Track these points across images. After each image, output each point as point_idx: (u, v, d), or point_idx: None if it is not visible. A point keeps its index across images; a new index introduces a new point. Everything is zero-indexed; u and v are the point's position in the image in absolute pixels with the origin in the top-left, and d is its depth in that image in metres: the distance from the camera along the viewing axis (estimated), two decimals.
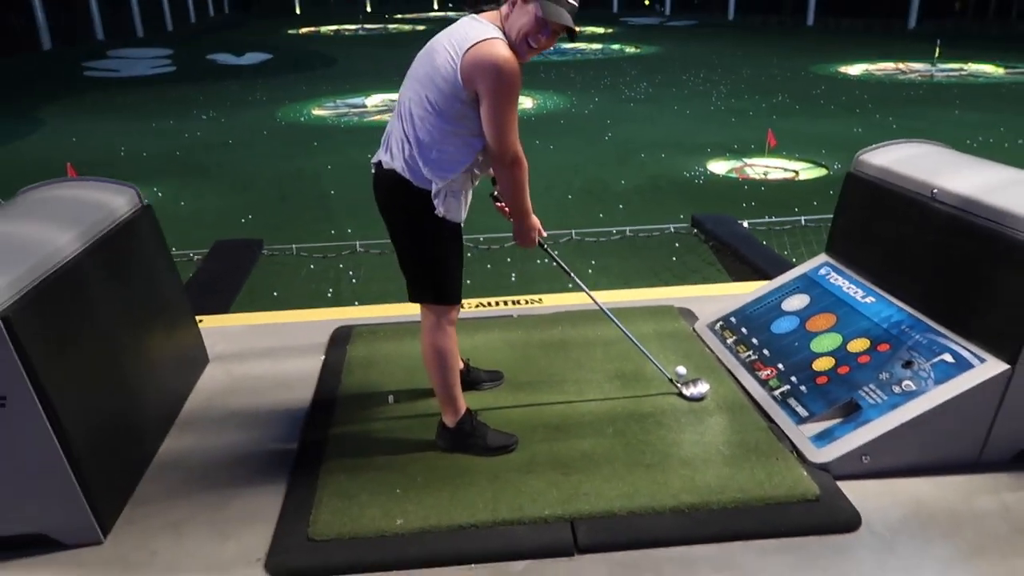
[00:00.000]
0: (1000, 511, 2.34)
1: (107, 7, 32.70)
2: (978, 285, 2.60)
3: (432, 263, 2.47)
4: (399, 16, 44.13)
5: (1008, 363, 2.43)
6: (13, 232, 2.42)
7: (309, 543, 2.23)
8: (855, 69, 19.53)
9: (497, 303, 3.98)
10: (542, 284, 5.02)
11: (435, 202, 2.37)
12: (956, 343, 2.61)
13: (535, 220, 2.62)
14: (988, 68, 19.27)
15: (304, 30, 36.50)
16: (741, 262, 5.01)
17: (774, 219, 6.13)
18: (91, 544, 2.28)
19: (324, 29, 37.12)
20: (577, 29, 2.32)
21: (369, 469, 2.54)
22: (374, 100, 16.03)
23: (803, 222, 5.95)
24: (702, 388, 2.96)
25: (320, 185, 8.83)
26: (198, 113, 14.55)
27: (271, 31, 35.41)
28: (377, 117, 14.06)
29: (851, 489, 2.42)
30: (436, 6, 52.36)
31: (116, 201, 2.89)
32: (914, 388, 2.56)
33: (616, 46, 26.24)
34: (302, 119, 13.89)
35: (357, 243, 5.76)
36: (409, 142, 2.35)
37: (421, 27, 36.77)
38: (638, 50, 25.10)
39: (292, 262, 5.62)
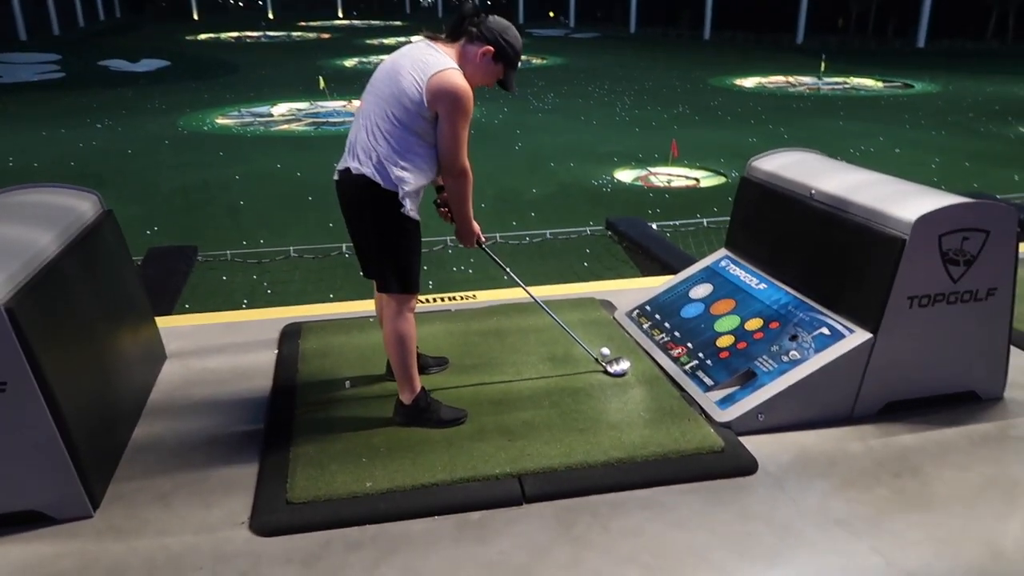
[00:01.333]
0: (866, 452, 2.85)
1: None
2: (848, 270, 3.13)
3: (397, 256, 2.79)
4: (303, 23, 43.57)
5: (871, 332, 2.96)
6: (1, 235, 2.59)
7: (288, 505, 2.51)
8: (749, 82, 20.75)
9: (436, 299, 4.31)
10: (475, 284, 5.37)
11: (404, 203, 2.70)
12: (832, 318, 3.13)
13: (476, 226, 3.02)
14: (868, 82, 20.81)
15: (203, 36, 35.71)
16: (652, 260, 5.52)
17: (679, 222, 6.70)
18: (82, 518, 2.48)
19: (225, 35, 36.36)
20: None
21: (335, 442, 2.83)
22: (280, 109, 15.96)
23: (705, 224, 6.54)
24: (624, 365, 3.38)
25: (229, 195, 8.75)
26: (92, 121, 14.12)
27: (167, 36, 34.44)
28: (284, 126, 14.00)
29: (750, 442, 2.88)
30: (340, 14, 51.95)
31: (82, 206, 3.08)
32: (799, 357, 3.06)
33: (523, 57, 26.81)
34: (205, 128, 13.70)
35: (291, 248, 5.97)
36: (377, 151, 2.68)
37: (326, 35, 36.48)
38: (544, 61, 25.79)
39: (227, 268, 5.78)
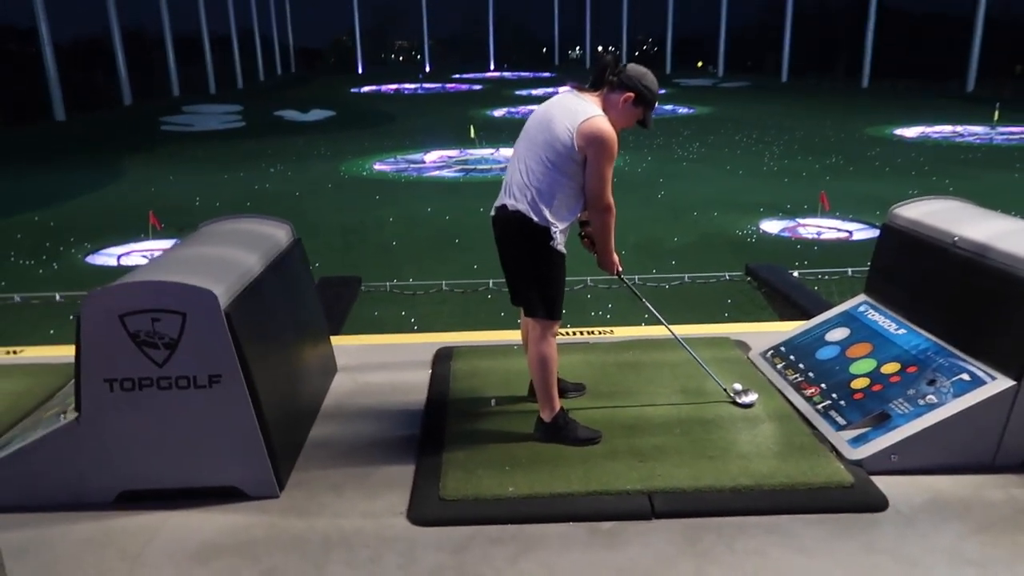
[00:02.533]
0: (1007, 500, 2.82)
1: (183, 66, 34.91)
2: (990, 316, 3.12)
3: (545, 285, 3.11)
4: (456, 76, 45.78)
5: (1015, 380, 2.94)
6: (217, 254, 3.13)
7: (441, 501, 2.83)
8: (911, 131, 19.69)
9: (576, 332, 4.58)
10: (611, 322, 5.61)
11: (554, 236, 3.03)
12: (972, 364, 3.12)
13: (615, 256, 3.32)
14: None
15: (366, 89, 38.05)
16: (791, 306, 5.53)
17: (822, 270, 6.63)
18: (270, 497, 2.91)
19: (385, 88, 38.75)
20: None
21: (482, 451, 3.14)
22: (432, 156, 16.73)
23: (850, 273, 6.44)
24: (752, 397, 3.50)
25: (382, 236, 9.30)
26: (266, 166, 15.36)
27: (334, 90, 36.95)
28: (435, 172, 14.67)
29: (881, 481, 2.92)
30: (492, 67, 54.19)
31: (279, 233, 3.61)
32: (936, 401, 3.07)
33: (669, 107, 26.96)
34: (364, 173, 14.60)
35: (443, 282, 6.45)
36: (531, 190, 3.02)
37: (478, 87, 38.24)
38: (691, 110, 25.77)
39: (386, 297, 6.33)
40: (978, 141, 18.03)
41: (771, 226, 9.67)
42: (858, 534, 2.64)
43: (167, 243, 8.71)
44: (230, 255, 3.11)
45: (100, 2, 29.19)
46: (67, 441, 2.82)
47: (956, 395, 3.04)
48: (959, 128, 20.18)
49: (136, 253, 8.55)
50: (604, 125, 2.99)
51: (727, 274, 6.74)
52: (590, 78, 3.19)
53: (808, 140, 18.48)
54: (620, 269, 3.40)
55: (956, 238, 3.41)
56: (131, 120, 24.99)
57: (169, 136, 21.01)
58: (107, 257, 8.40)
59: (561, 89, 3.24)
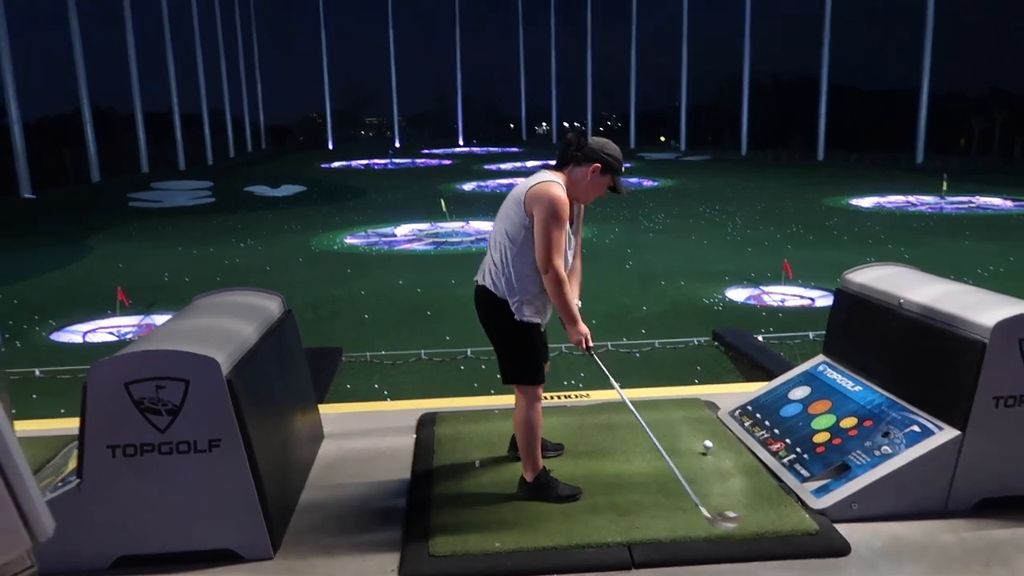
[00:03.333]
0: (958, 543, 3.03)
1: (153, 143, 35.18)
2: (935, 372, 3.39)
3: (517, 354, 3.32)
4: (426, 151, 46.60)
5: (959, 429, 3.19)
6: (215, 324, 3.30)
7: (431, 558, 2.96)
8: (866, 201, 20.33)
9: (554, 396, 4.76)
10: (586, 385, 5.80)
11: (515, 307, 3.25)
12: (921, 416, 3.37)
13: (583, 327, 3.34)
14: (996, 200, 19.91)
15: (336, 164, 38.17)
16: (757, 368, 5.79)
17: (786, 334, 6.94)
18: (264, 559, 3.01)
19: (355, 163, 39.09)
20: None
21: (468, 510, 3.28)
22: (403, 230, 16.86)
23: (811, 336, 6.75)
24: (732, 524, 2.97)
25: (354, 309, 9.35)
26: (237, 241, 15.34)
27: (305, 165, 37.12)
28: (407, 246, 14.79)
29: (844, 528, 3.12)
30: (461, 142, 55.39)
31: (272, 305, 3.80)
32: (890, 451, 3.30)
33: (634, 179, 27.76)
34: (335, 247, 14.64)
35: (422, 351, 6.63)
36: (495, 265, 3.27)
37: (448, 162, 39.00)
38: (655, 183, 26.56)
39: (367, 367, 6.48)
40: (929, 210, 18.73)
41: (737, 294, 9.89)
42: None
43: (135, 319, 8.74)
44: (228, 325, 3.29)
45: (71, 80, 29.60)
46: (67, 508, 2.91)
47: (908, 445, 3.28)
48: (911, 198, 20.93)
49: (102, 330, 8.50)
50: (552, 189, 3.15)
51: (695, 339, 7.02)
52: (557, 155, 3.42)
53: (769, 210, 19.03)
54: (591, 344, 3.35)
55: (902, 300, 3.70)
56: (99, 196, 25.00)
57: (138, 212, 21.02)
58: (72, 334, 8.37)
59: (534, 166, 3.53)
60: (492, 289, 3.29)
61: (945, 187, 20.55)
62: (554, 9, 54.54)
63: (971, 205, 19.52)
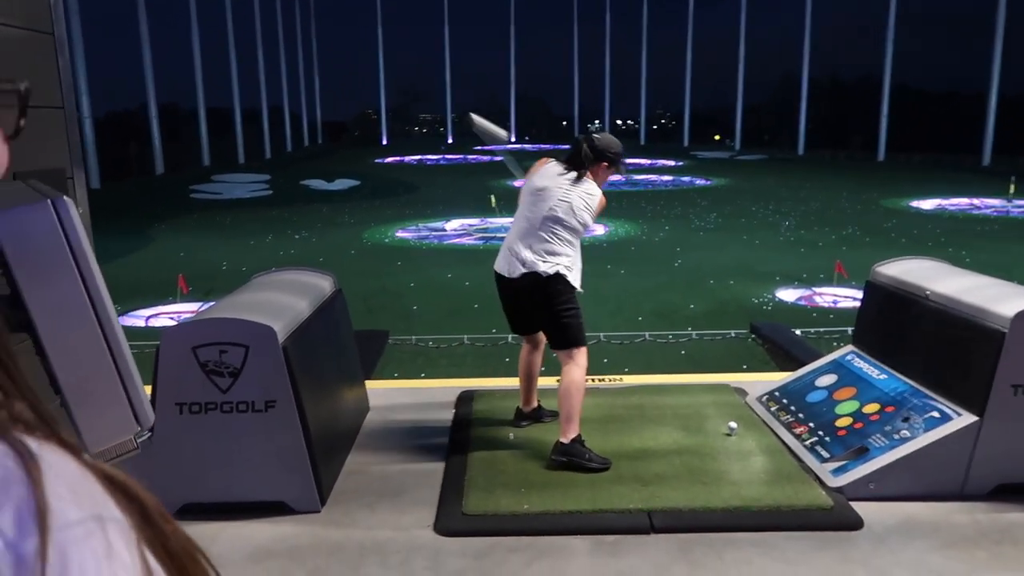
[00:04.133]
0: (971, 523, 3.13)
1: (214, 137, 36.25)
2: (956, 360, 3.49)
3: (572, 320, 3.64)
4: (478, 148, 46.93)
5: (978, 415, 3.29)
6: (273, 298, 3.60)
7: (464, 516, 3.19)
8: (927, 204, 19.78)
9: (589, 380, 4.95)
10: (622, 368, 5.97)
11: (568, 279, 3.60)
12: (941, 403, 3.48)
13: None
14: None
15: (389, 159, 38.68)
16: (791, 360, 5.87)
17: (823, 329, 6.99)
18: (312, 512, 3.29)
19: (408, 159, 39.61)
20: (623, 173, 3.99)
21: (500, 475, 3.52)
22: (453, 224, 17.08)
23: (849, 332, 6.77)
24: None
25: (403, 301, 9.54)
26: (292, 233, 15.67)
27: (359, 160, 37.60)
28: (456, 240, 14.99)
29: (860, 506, 3.25)
30: (514, 138, 55.60)
31: (324, 283, 4.09)
32: (909, 435, 3.42)
33: (687, 178, 27.57)
34: (386, 240, 14.89)
35: (465, 337, 6.89)
36: (544, 252, 3.62)
37: (499, 159, 39.14)
38: (708, 182, 26.34)
39: (412, 350, 6.77)
40: (995, 214, 18.11)
41: (787, 294, 9.73)
42: (835, 549, 2.97)
43: (194, 306, 9.17)
44: (284, 299, 3.58)
45: (139, 77, 30.77)
46: (140, 459, 3.23)
47: (927, 429, 3.39)
48: (976, 201, 20.19)
49: (164, 315, 8.90)
50: (600, 193, 3.78)
51: (732, 332, 7.11)
52: (565, 156, 3.86)
53: (824, 211, 18.65)
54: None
55: (928, 292, 3.80)
56: (163, 188, 25.90)
57: (198, 204, 21.64)
58: (136, 319, 8.78)
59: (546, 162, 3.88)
60: (544, 269, 3.62)
61: (1013, 190, 19.84)
62: (609, 7, 54.41)
63: None
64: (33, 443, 0.41)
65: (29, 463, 0.39)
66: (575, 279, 3.71)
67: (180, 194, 23.80)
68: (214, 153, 35.98)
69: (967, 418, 3.31)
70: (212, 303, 3.66)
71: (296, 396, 3.18)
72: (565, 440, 3.60)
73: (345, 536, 3.12)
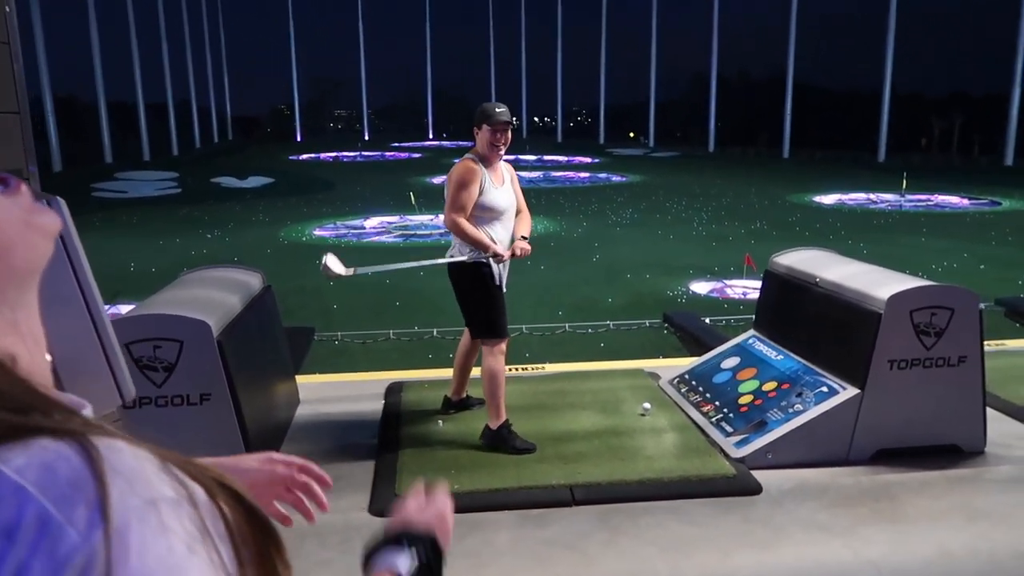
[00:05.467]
0: (855, 484, 3.51)
1: (116, 132, 34.70)
2: (841, 340, 3.88)
3: (479, 308, 3.80)
4: (395, 145, 46.45)
5: (859, 389, 3.67)
6: (204, 295, 3.67)
7: (397, 497, 3.35)
8: (829, 198, 20.81)
9: (511, 368, 5.18)
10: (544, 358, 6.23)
11: (476, 263, 3.77)
12: (830, 378, 3.86)
13: (494, 247, 3.84)
14: (953, 199, 20.49)
15: (304, 156, 37.70)
16: (701, 346, 6.25)
17: (732, 317, 7.44)
18: None
19: (324, 155, 38.49)
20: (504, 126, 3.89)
21: (431, 459, 3.71)
22: (372, 222, 16.87)
23: (754, 319, 7.23)
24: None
25: (322, 300, 9.38)
26: (204, 232, 15.18)
27: (273, 157, 36.34)
28: (375, 238, 14.85)
29: (760, 474, 3.58)
30: (431, 135, 55.46)
31: (253, 280, 4.17)
32: (801, 408, 3.78)
33: (603, 175, 28.18)
34: (303, 239, 14.58)
35: (391, 331, 7.02)
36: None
37: (417, 155, 39.04)
38: (624, 178, 26.98)
39: (338, 345, 6.86)
40: (889, 208, 19.18)
41: (700, 287, 10.12)
42: (737, 511, 3.29)
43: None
44: (215, 295, 3.66)
45: (32, 68, 29.22)
46: None
47: (817, 403, 3.76)
48: (872, 196, 21.36)
49: None
50: (459, 163, 3.90)
51: (647, 321, 7.48)
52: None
53: (734, 207, 19.34)
54: (500, 251, 3.86)
55: (818, 279, 4.19)
56: (61, 187, 24.63)
57: (102, 203, 20.66)
58: None
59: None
60: (457, 257, 3.83)
61: (905, 185, 21.12)
62: (524, 3, 54.93)
63: (929, 203, 19.95)
64: (96, 441, 0.46)
65: (95, 463, 0.45)
66: (492, 267, 3.83)
67: (81, 192, 22.55)
68: (117, 149, 34.41)
69: (851, 391, 3.70)
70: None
71: (231, 388, 3.28)
72: (493, 426, 3.81)
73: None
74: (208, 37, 49.42)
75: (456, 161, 3.95)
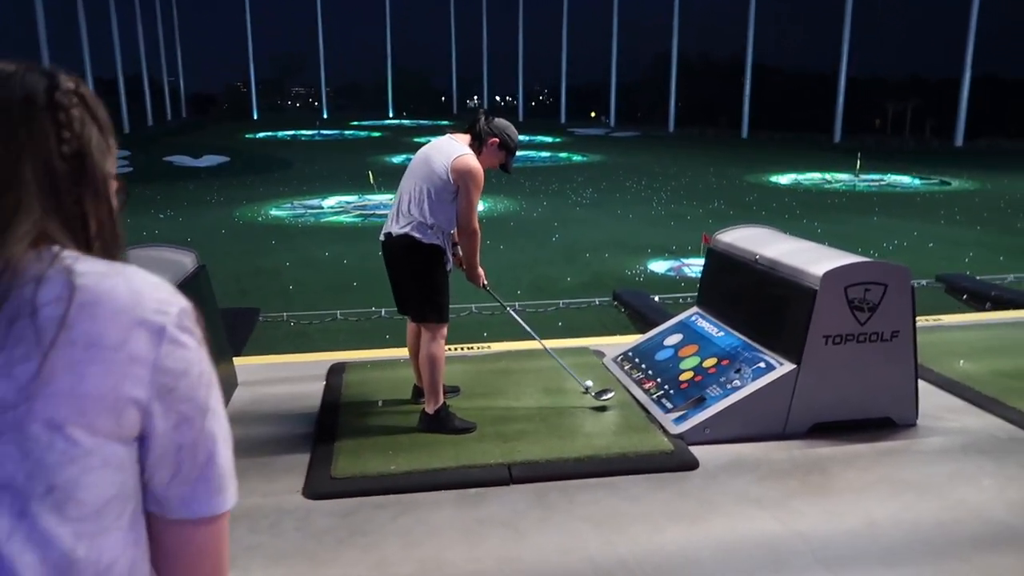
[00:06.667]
0: (788, 458, 3.56)
1: None
2: (779, 316, 3.91)
3: (435, 293, 3.70)
4: (355, 123, 45.81)
5: (795, 364, 3.71)
6: None
7: (332, 479, 3.32)
8: (785, 179, 21.10)
9: (457, 348, 5.15)
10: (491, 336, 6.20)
11: (438, 253, 3.67)
12: (767, 354, 3.89)
13: (481, 271, 3.95)
14: (905, 179, 21.01)
15: (261, 135, 37.13)
16: (649, 324, 6.28)
17: (680, 295, 7.49)
18: None
19: (281, 134, 37.84)
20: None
21: (369, 439, 3.66)
22: (330, 202, 16.71)
23: (698, 295, 7.29)
24: (609, 394, 4.11)
25: (279, 281, 9.29)
26: (156, 212, 14.81)
27: (229, 135, 35.89)
28: (333, 218, 14.70)
29: (697, 450, 3.61)
30: (391, 114, 54.81)
31: (185, 259, 4.06)
32: (739, 384, 3.81)
33: (564, 155, 28.15)
34: (259, 219, 14.35)
35: (338, 312, 6.93)
36: (416, 217, 3.63)
37: (377, 134, 38.60)
38: (584, 158, 27.00)
39: (283, 327, 6.75)
40: (843, 187, 19.57)
41: (659, 266, 10.21)
42: (673, 486, 3.31)
43: None
44: None
45: None
46: None
47: (754, 378, 3.79)
48: (827, 176, 21.78)
49: None
50: (473, 161, 3.67)
51: (597, 300, 7.50)
52: (465, 127, 3.88)
53: (693, 187, 19.53)
54: (486, 282, 4.03)
55: (757, 256, 4.21)
56: None
57: None
58: None
59: (443, 137, 3.89)
60: (419, 237, 3.66)
61: (859, 166, 21.51)
62: None
63: (882, 183, 20.40)
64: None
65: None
66: (446, 257, 3.77)
67: None
68: None
69: (787, 367, 3.73)
70: None
71: None
72: (430, 411, 3.77)
73: None
74: (160, 10, 48.02)
75: (460, 151, 3.68)
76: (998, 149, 30.49)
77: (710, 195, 17.90)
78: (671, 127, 42.67)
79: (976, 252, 11.28)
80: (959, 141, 32.18)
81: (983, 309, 7.11)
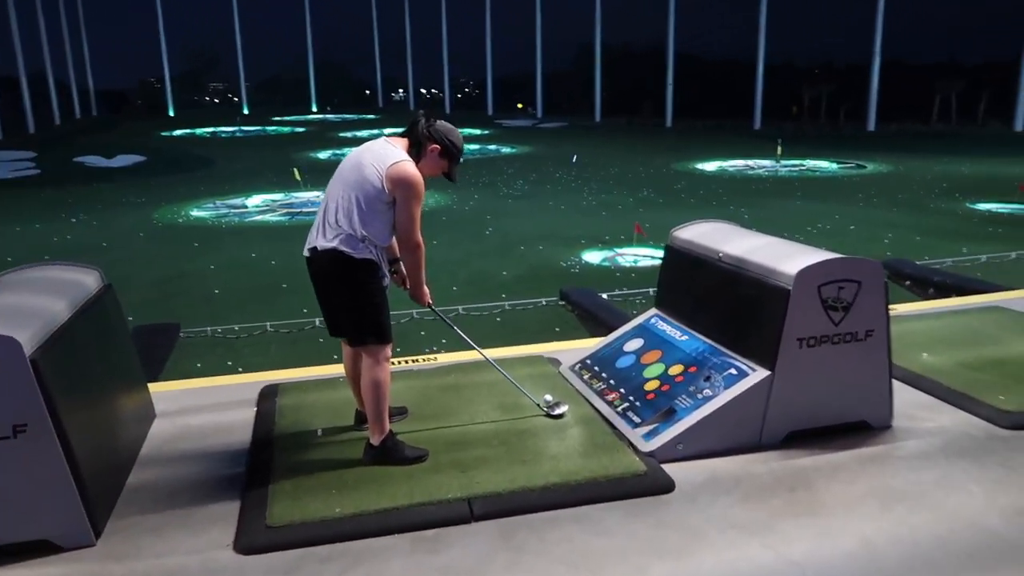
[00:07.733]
0: (768, 472, 3.31)
1: None
2: (748, 318, 3.66)
3: (373, 312, 3.28)
4: (277, 119, 44.56)
5: (769, 370, 3.46)
6: (20, 301, 3.04)
7: (267, 529, 2.90)
8: (710, 166, 21.57)
9: (401, 361, 4.75)
10: (440, 348, 5.83)
11: (373, 268, 3.25)
12: (738, 360, 3.64)
13: (426, 288, 3.56)
14: (823, 163, 21.72)
15: (179, 132, 36.09)
16: (600, 325, 6.02)
17: (628, 291, 7.26)
18: (85, 546, 2.85)
19: (200, 131, 36.90)
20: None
21: (309, 478, 3.24)
22: (255, 200, 16.21)
23: (651, 292, 7.08)
24: (563, 408, 3.84)
25: (203, 285, 8.89)
26: (67, 216, 14.20)
27: (143, 133, 34.72)
28: (259, 217, 14.23)
29: (670, 467, 3.33)
30: (315, 109, 53.45)
31: (87, 279, 3.55)
32: (711, 394, 3.55)
33: (493, 146, 27.91)
34: (180, 220, 13.89)
35: (267, 324, 6.42)
36: (344, 229, 3.19)
37: (300, 129, 37.57)
38: (513, 150, 26.82)
39: (208, 343, 6.20)
40: (766, 173, 20.13)
41: (593, 256, 10.21)
42: (650, 514, 3.01)
43: None
44: (34, 302, 3.04)
45: None
46: None
47: (726, 387, 3.53)
48: (750, 162, 22.39)
49: None
50: (411, 169, 3.24)
51: (543, 300, 7.20)
52: (406, 128, 3.44)
53: (622, 176, 19.73)
54: (431, 301, 3.64)
55: (721, 254, 3.96)
56: None
57: None
58: None
59: (379, 140, 3.46)
60: (350, 252, 3.22)
61: (780, 152, 22.06)
62: None
63: (802, 168, 21.12)
64: None
65: None
66: (381, 273, 3.38)
67: None
68: None
69: (761, 373, 3.49)
70: None
71: (53, 416, 2.71)
72: (375, 441, 3.37)
73: (127, 571, 2.72)
74: (63, 3, 45.43)
75: (396, 158, 3.24)
76: (908, 132, 31.63)
77: (639, 184, 18.06)
78: (597, 117, 42.85)
79: (895, 233, 11.63)
80: (871, 126, 33.32)
81: (927, 295, 7.11)
